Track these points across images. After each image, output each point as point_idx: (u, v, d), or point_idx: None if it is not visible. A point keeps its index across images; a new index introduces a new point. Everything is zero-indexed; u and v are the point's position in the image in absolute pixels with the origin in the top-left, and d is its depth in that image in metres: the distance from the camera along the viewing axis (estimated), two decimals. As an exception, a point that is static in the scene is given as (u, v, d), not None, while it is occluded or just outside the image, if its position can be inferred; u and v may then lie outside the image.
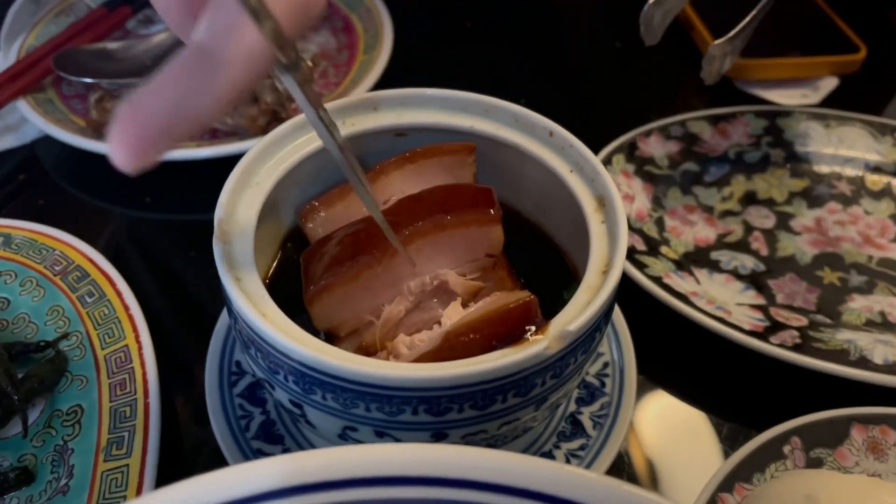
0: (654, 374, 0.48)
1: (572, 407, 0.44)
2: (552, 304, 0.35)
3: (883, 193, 0.60)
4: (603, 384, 0.45)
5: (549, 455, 0.42)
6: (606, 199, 0.37)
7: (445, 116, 0.42)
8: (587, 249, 0.36)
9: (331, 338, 0.37)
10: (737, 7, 0.78)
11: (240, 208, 0.37)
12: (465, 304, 0.37)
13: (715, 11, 0.76)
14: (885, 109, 0.71)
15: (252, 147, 0.39)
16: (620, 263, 0.34)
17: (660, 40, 0.52)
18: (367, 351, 0.36)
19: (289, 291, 0.36)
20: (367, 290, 0.36)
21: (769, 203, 0.60)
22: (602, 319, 0.34)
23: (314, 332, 0.36)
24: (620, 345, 0.46)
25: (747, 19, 0.51)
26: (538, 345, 0.31)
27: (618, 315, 0.47)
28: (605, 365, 0.45)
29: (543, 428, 0.43)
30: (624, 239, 0.35)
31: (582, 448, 0.42)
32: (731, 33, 0.50)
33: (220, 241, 0.35)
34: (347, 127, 0.41)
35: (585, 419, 0.43)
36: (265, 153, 0.39)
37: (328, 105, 0.41)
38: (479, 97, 0.42)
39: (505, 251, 0.39)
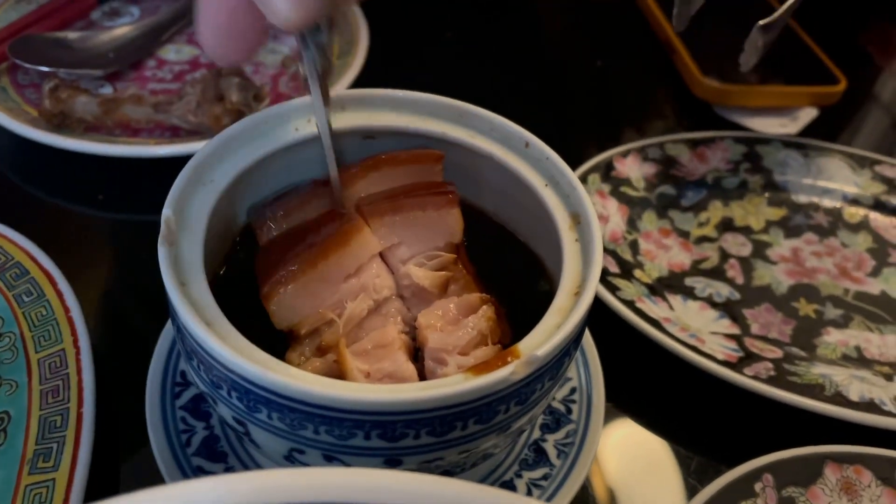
0: (623, 401, 0.46)
1: (536, 434, 0.42)
2: (525, 315, 0.33)
3: (860, 226, 0.59)
4: (569, 410, 0.42)
5: (509, 484, 0.39)
6: (582, 216, 0.35)
7: (417, 120, 0.40)
8: (560, 267, 0.34)
9: (288, 336, 0.34)
10: (719, 33, 0.78)
11: (190, 207, 0.35)
12: (437, 298, 0.35)
13: (698, 37, 0.75)
14: (858, 139, 0.71)
15: (207, 142, 0.36)
16: (593, 286, 0.32)
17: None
18: (326, 353, 0.34)
19: (240, 298, 0.34)
20: (325, 282, 0.34)
21: (746, 231, 0.58)
22: (572, 344, 0.32)
23: (270, 336, 0.34)
24: (589, 370, 0.44)
25: (786, 6, 0.50)
26: (503, 369, 0.29)
27: (587, 339, 0.45)
28: (573, 390, 0.43)
29: (505, 455, 0.41)
30: (598, 260, 0.33)
31: (545, 478, 0.40)
32: (773, 17, 0.49)
33: (167, 243, 0.32)
34: (312, 126, 0.39)
35: (550, 447, 0.41)
36: (221, 150, 0.37)
37: (295, 101, 0.39)
38: (452, 102, 0.40)
39: (478, 256, 0.37)
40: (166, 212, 0.33)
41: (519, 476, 0.40)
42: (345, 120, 0.39)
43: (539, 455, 0.41)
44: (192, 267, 0.32)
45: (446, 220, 0.37)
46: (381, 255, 0.36)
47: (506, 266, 0.40)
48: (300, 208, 0.38)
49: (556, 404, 0.43)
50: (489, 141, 0.39)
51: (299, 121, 0.39)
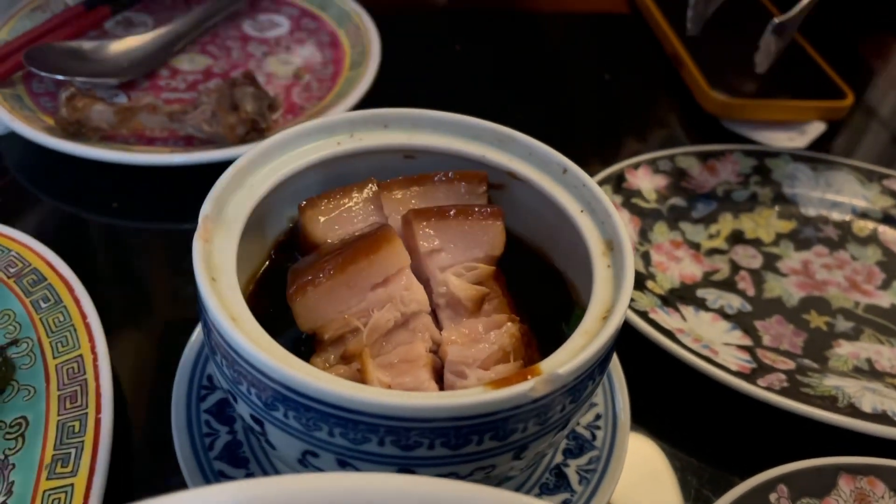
0: (635, 413, 0.46)
1: (559, 458, 0.41)
2: (553, 338, 0.33)
3: (869, 240, 0.60)
4: (594, 437, 0.42)
5: (528, 508, 0.39)
6: (616, 243, 0.36)
7: (457, 142, 0.41)
8: (590, 291, 0.34)
9: (314, 342, 0.35)
10: (726, 46, 0.79)
11: (228, 208, 0.35)
12: (470, 314, 0.35)
13: (705, 51, 0.76)
14: (866, 153, 0.71)
15: (251, 149, 0.37)
16: (622, 311, 0.32)
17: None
18: (351, 361, 0.34)
19: (271, 304, 0.34)
20: (352, 288, 0.34)
21: (756, 243, 0.59)
22: (596, 368, 0.32)
23: (294, 340, 0.34)
24: (616, 398, 0.44)
25: (800, 6, 0.50)
26: (523, 385, 0.29)
27: (616, 367, 0.45)
28: (598, 416, 0.43)
29: (525, 478, 0.40)
30: (629, 286, 0.33)
31: (565, 503, 0.39)
32: (787, 15, 0.50)
33: (202, 239, 0.33)
34: (355, 141, 0.40)
35: (571, 472, 0.41)
36: (263, 157, 0.38)
37: (339, 116, 0.40)
38: (494, 126, 0.40)
39: (509, 278, 0.38)
40: (205, 210, 0.34)
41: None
42: (386, 138, 0.40)
43: (560, 480, 0.40)
44: (225, 264, 0.33)
45: (489, 232, 0.37)
46: (423, 259, 0.36)
47: (538, 290, 0.40)
48: (346, 199, 0.38)
49: (580, 430, 0.42)
50: (527, 165, 0.40)
51: (342, 135, 0.40)
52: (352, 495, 0.23)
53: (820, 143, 0.69)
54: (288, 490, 0.23)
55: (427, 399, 0.29)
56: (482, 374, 0.33)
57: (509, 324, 0.35)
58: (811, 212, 0.61)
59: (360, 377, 0.33)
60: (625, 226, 0.36)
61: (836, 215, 0.61)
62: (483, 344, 0.34)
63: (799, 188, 0.62)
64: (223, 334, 0.30)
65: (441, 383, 0.34)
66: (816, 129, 0.70)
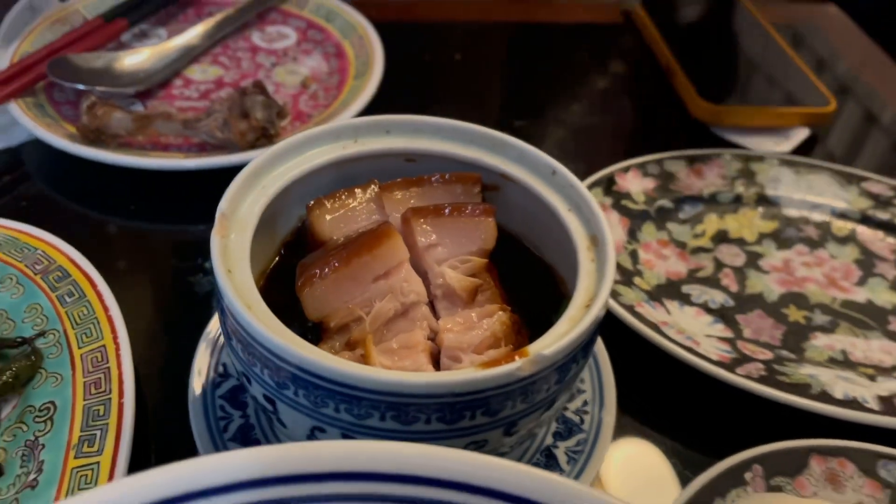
0: (621, 400, 0.49)
1: (549, 440, 0.44)
2: (543, 327, 0.36)
3: (848, 239, 0.62)
4: (582, 420, 0.45)
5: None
6: (599, 238, 0.39)
7: (455, 147, 0.43)
8: (575, 283, 0.37)
9: (320, 331, 0.38)
10: (716, 58, 0.82)
11: (242, 207, 0.38)
12: (465, 304, 0.38)
13: (696, 60, 0.79)
14: (847, 157, 0.74)
15: (262, 153, 0.40)
16: (604, 298, 0.35)
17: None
18: (355, 347, 0.37)
19: (281, 295, 0.37)
20: (355, 280, 0.37)
21: (740, 242, 0.61)
22: (580, 352, 0.35)
23: (302, 328, 0.37)
24: (602, 385, 0.46)
25: None
26: (511, 365, 0.32)
27: (602, 354, 0.48)
28: (585, 403, 0.46)
29: (517, 457, 0.43)
30: (610, 277, 0.36)
31: None
32: None
33: (219, 235, 0.36)
34: (359, 146, 0.43)
35: (560, 453, 0.44)
36: (274, 160, 0.41)
37: (344, 122, 0.43)
38: (488, 131, 0.43)
39: (502, 271, 0.40)
40: (222, 207, 0.37)
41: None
42: (388, 143, 0.43)
43: (550, 460, 0.43)
44: (239, 257, 0.36)
45: (481, 228, 0.40)
46: (421, 254, 0.39)
47: (528, 283, 0.43)
48: (350, 199, 0.41)
49: (569, 414, 0.45)
50: (519, 168, 0.43)
51: (347, 140, 0.43)
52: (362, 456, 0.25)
53: (803, 148, 0.72)
54: (304, 454, 0.25)
55: (424, 377, 0.32)
56: (475, 358, 0.36)
57: (500, 312, 0.38)
58: (793, 213, 0.64)
59: (364, 362, 0.36)
60: (608, 223, 0.39)
61: (816, 216, 0.64)
62: (476, 331, 0.37)
63: (782, 190, 0.65)
64: (239, 319, 0.33)
65: (438, 367, 0.37)
66: (801, 134, 0.73)
